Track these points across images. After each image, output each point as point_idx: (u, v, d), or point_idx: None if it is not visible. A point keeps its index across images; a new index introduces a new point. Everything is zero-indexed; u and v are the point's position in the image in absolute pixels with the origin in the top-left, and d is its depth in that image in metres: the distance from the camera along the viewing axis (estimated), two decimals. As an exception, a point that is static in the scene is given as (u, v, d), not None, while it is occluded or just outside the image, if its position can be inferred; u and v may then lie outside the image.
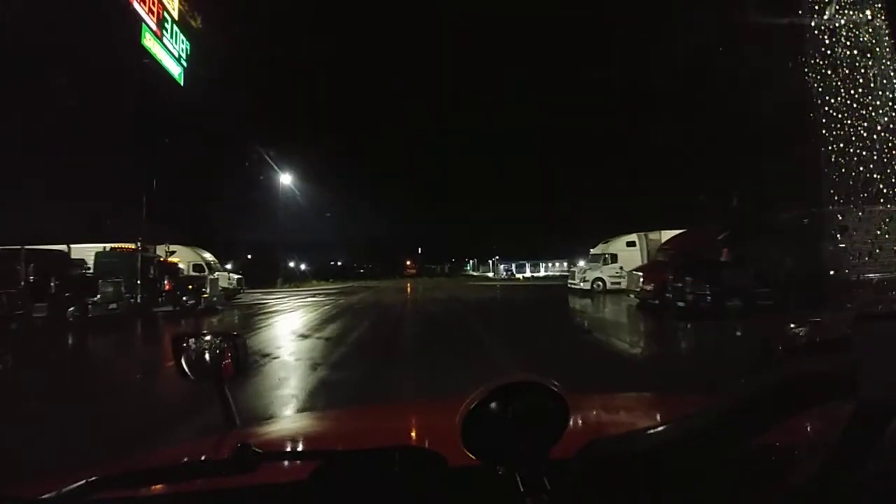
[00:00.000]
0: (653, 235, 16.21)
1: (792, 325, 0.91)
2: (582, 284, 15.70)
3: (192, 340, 0.95)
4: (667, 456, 0.45)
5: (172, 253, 16.61)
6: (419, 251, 65.95)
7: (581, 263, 18.66)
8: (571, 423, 0.48)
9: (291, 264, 40.25)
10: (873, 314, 0.36)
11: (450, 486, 0.53)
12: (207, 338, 0.95)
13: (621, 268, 14.94)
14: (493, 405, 0.46)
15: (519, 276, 53.77)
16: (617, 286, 15.57)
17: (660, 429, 0.47)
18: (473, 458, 0.47)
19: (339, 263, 54.28)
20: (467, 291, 20.35)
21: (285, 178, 25.48)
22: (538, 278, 39.66)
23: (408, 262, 66.00)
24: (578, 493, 0.48)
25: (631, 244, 16.30)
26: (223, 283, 16.48)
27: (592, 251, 17.57)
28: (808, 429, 0.62)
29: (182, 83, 16.22)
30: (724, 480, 0.48)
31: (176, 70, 15.94)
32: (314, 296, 17.60)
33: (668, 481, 0.47)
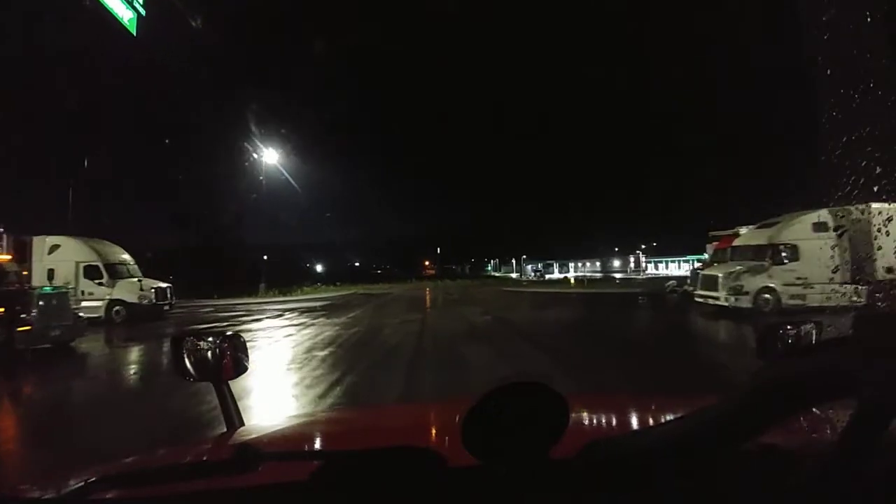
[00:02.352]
0: (857, 213, 10.68)
1: (790, 325, 1.02)
2: (733, 300, 11.74)
3: (192, 340, 1.18)
4: (667, 456, 0.54)
5: (55, 248, 14.71)
6: (438, 251, 73.94)
7: (722, 267, 13.44)
8: (571, 423, 0.58)
9: (308, 265, 48.61)
10: (874, 314, 0.48)
11: (450, 486, 0.63)
12: (208, 338, 1.19)
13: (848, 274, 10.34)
14: (493, 405, 0.55)
15: (564, 275, 56.68)
16: (799, 304, 10.79)
17: (660, 429, 0.57)
18: (473, 458, 0.57)
19: (357, 264, 63.75)
20: (516, 306, 18.23)
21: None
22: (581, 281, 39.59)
23: (426, 263, 73.63)
24: (578, 493, 0.58)
25: (820, 227, 11.91)
26: (128, 297, 14.51)
27: (740, 241, 13.56)
28: (808, 429, 0.72)
29: (135, 33, 14.81)
30: (725, 480, 0.57)
31: (126, 14, 14.47)
32: (282, 315, 15.98)
33: (668, 481, 0.56)
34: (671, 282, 20.02)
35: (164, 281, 15.52)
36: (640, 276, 52.87)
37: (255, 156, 23.03)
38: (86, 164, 15.39)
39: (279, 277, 31.15)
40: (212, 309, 18.92)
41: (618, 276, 52.69)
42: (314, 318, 14.12)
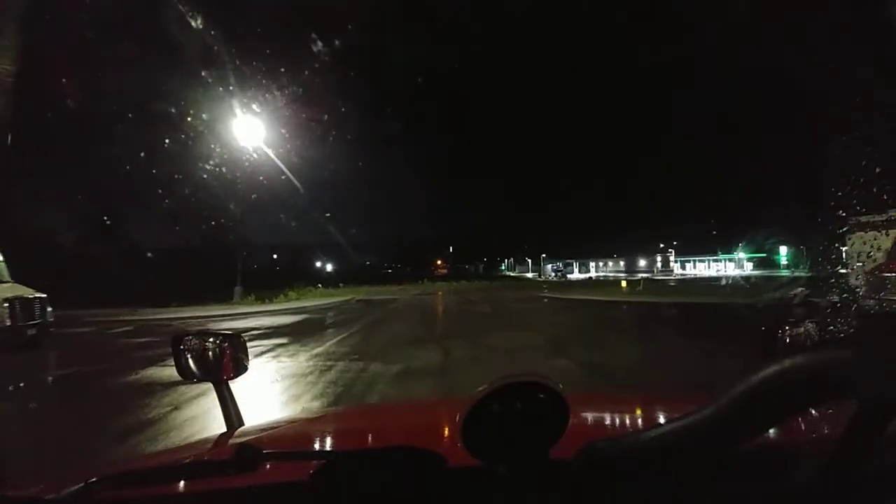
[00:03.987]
0: None
1: (788, 326, 1.04)
2: None
3: (192, 340, 1.23)
4: (667, 456, 0.56)
5: None
6: (450, 250, 76.05)
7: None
8: (571, 423, 0.60)
9: (314, 265, 48.83)
10: (874, 314, 0.62)
11: (450, 486, 0.66)
12: (209, 338, 1.25)
13: None
14: (493, 405, 0.58)
15: (588, 276, 56.90)
16: None
17: (660, 429, 0.57)
18: (473, 458, 0.59)
19: (367, 263, 65.55)
20: (590, 331, 11.63)
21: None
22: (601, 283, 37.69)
23: (438, 262, 75.06)
24: (578, 493, 0.60)
25: None
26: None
27: None
28: (808, 429, 0.74)
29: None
30: (725, 480, 0.59)
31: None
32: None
33: (667, 481, 0.58)
34: (800, 289, 15.30)
35: (34, 289, 10.74)
36: (670, 277, 50.00)
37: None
38: (7, 139, 12.03)
39: (272, 279, 28.41)
40: (130, 328, 13.71)
41: (642, 276, 49.43)
42: (255, 357, 8.74)
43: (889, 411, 0.47)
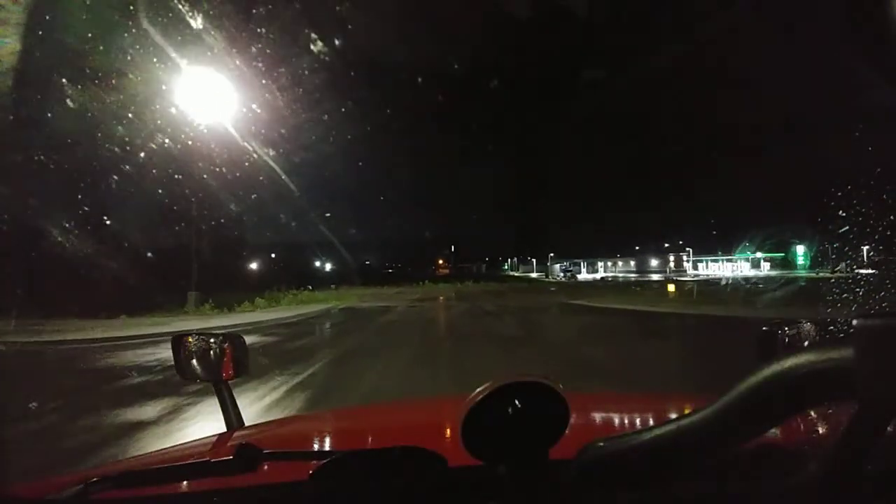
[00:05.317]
0: None
1: (788, 326, 1.07)
2: None
3: (192, 340, 1.29)
4: (666, 456, 0.57)
5: None
6: (452, 249, 78.96)
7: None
8: (571, 422, 0.62)
9: (313, 265, 50.07)
10: (874, 314, 0.47)
11: (450, 486, 0.68)
12: (209, 339, 1.29)
13: None
14: (493, 405, 0.60)
15: (602, 276, 59.56)
16: None
17: (660, 429, 0.58)
18: (473, 458, 0.61)
19: (367, 262, 67.94)
20: None
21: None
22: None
23: (440, 262, 78.11)
24: (578, 493, 0.62)
25: None
26: None
27: None
28: (808, 429, 0.76)
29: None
30: (724, 480, 0.62)
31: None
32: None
33: (667, 481, 0.60)
34: None
35: None
36: (686, 278, 48.99)
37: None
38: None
39: (262, 281, 27.27)
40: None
41: (654, 276, 48.27)
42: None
43: (889, 411, 0.48)
